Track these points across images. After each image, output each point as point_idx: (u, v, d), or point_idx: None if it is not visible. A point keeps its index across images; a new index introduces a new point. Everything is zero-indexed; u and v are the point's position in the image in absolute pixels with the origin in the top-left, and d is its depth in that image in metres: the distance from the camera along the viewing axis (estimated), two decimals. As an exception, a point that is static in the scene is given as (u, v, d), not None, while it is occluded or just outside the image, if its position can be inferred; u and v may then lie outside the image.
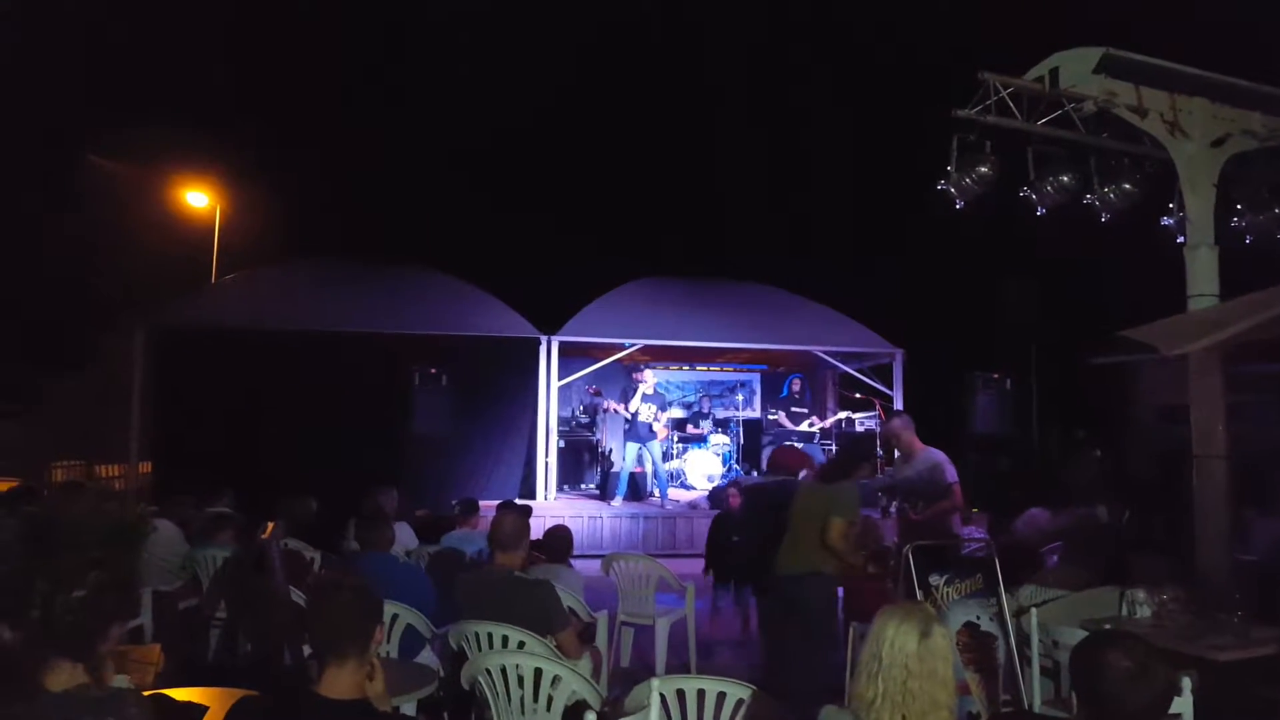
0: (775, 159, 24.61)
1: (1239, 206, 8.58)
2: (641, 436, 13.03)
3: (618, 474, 13.48)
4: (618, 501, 13.14)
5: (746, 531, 7.61)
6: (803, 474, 7.29)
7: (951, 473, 7.34)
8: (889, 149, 19.76)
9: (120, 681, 3.07)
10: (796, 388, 14.57)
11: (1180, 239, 8.22)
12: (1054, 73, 7.96)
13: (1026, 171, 8.31)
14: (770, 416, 15.04)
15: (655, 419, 13.13)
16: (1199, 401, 7.13)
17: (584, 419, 15.25)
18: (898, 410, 14.20)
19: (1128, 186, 8.31)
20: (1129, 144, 8.34)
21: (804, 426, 14.04)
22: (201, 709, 3.13)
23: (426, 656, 5.17)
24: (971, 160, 8.05)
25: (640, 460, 13.43)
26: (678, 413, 15.58)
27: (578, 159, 25.43)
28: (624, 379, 15.98)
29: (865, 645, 2.86)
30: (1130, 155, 8.38)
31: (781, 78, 24.92)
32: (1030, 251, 15.44)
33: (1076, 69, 7.85)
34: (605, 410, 14.52)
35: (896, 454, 8.09)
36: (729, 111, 24.72)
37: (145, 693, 2.94)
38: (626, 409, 13.10)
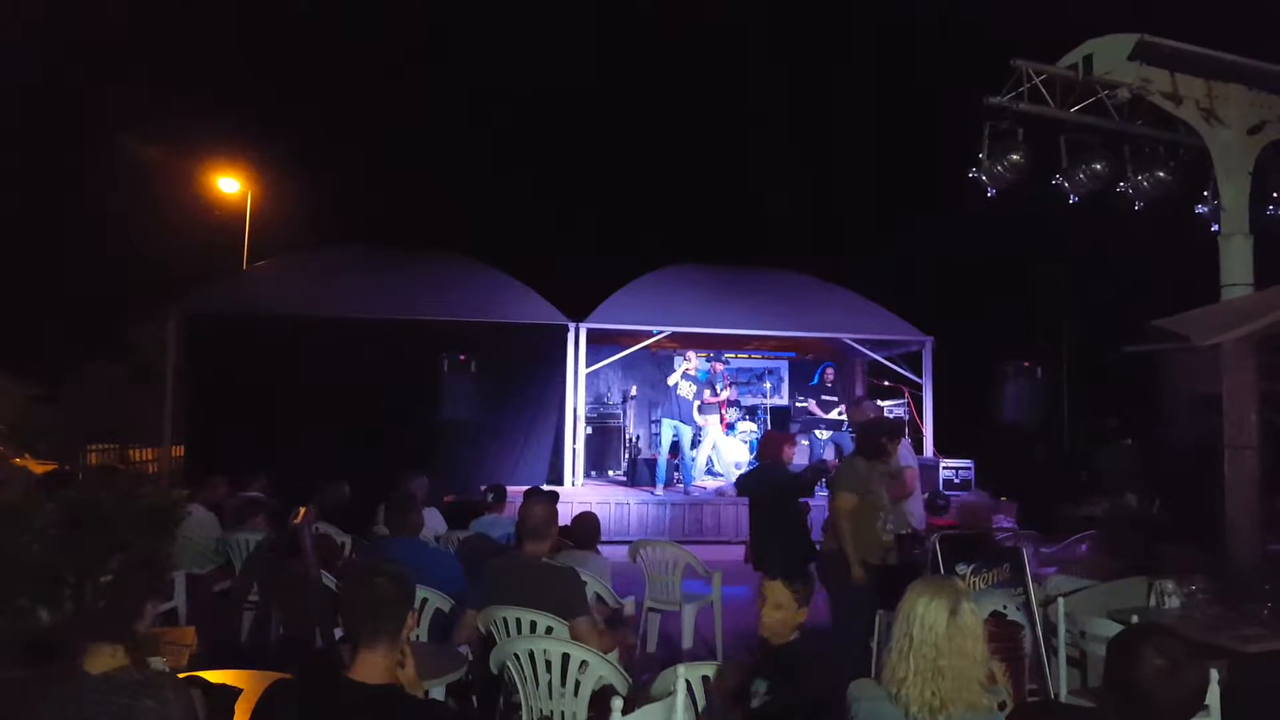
0: (806, 146, 24.53)
1: (1275, 194, 8.48)
2: (679, 415, 13.06)
3: (654, 461, 13.49)
4: (660, 490, 13.14)
5: (757, 517, 7.66)
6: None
7: (905, 457, 7.34)
8: (921, 136, 19.66)
9: (155, 663, 3.14)
10: (830, 377, 14.49)
11: (1215, 227, 8.13)
12: (1088, 59, 7.89)
13: (1059, 159, 8.24)
14: (799, 404, 15.00)
15: (694, 399, 13.18)
16: (1231, 391, 7.05)
17: (612, 410, 15.28)
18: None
19: (1161, 174, 8.23)
20: (1163, 131, 8.25)
21: (833, 415, 14.01)
22: (236, 691, 3.18)
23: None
24: (1004, 148, 7.99)
25: (678, 444, 13.40)
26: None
27: (608, 146, 25.44)
28: (651, 366, 16.01)
29: (895, 623, 2.88)
30: (1164, 143, 8.29)
31: (814, 65, 24.81)
32: (1062, 240, 15.32)
33: (1111, 56, 7.77)
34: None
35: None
36: (760, 99, 24.64)
37: (180, 675, 3.00)
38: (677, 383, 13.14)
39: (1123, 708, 2.59)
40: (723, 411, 13.90)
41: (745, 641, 7.26)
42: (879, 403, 14.17)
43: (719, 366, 14.20)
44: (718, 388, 13.68)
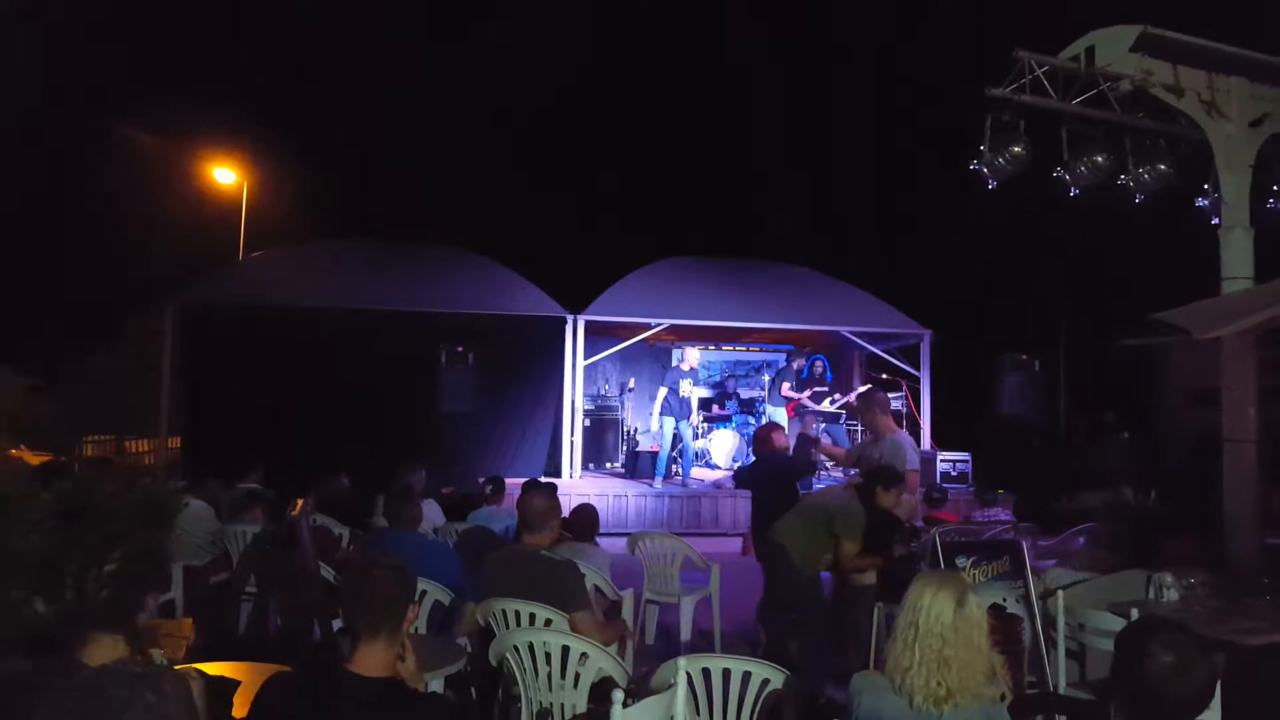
0: (806, 138, 24.50)
1: (1276, 188, 8.46)
2: (679, 412, 13.06)
3: (654, 454, 13.49)
4: (658, 483, 13.14)
5: (759, 507, 7.64)
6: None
7: (912, 460, 7.22)
8: (922, 128, 19.63)
9: (155, 656, 3.12)
10: (819, 369, 14.50)
11: (1215, 220, 8.12)
12: (1089, 51, 7.86)
13: (1060, 152, 8.22)
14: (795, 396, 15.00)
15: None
16: (1231, 385, 7.05)
17: (610, 402, 15.27)
18: (870, 388, 14.10)
19: (1163, 167, 8.21)
20: (1164, 124, 8.23)
21: (826, 405, 13.99)
22: (234, 683, 3.16)
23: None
24: (1004, 140, 7.97)
25: (678, 437, 13.41)
26: (703, 392, 15.59)
27: (607, 139, 25.40)
28: (650, 359, 15.99)
29: (901, 613, 2.88)
30: (1165, 135, 8.27)
31: (816, 57, 24.77)
32: (1062, 233, 15.31)
33: (1113, 47, 7.75)
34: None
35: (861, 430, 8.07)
36: (760, 91, 24.60)
37: (178, 667, 2.98)
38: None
39: (1131, 704, 2.57)
40: (791, 407, 13.92)
41: (744, 634, 7.27)
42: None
43: (801, 363, 14.28)
44: (797, 383, 13.78)
